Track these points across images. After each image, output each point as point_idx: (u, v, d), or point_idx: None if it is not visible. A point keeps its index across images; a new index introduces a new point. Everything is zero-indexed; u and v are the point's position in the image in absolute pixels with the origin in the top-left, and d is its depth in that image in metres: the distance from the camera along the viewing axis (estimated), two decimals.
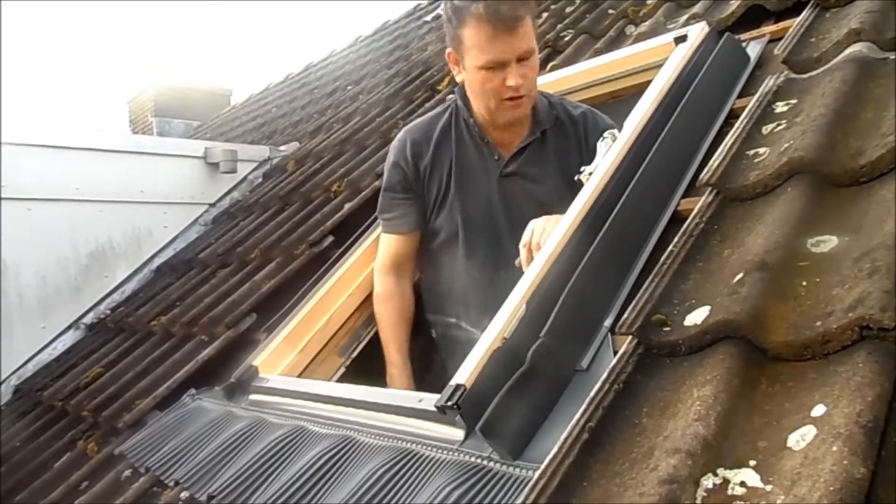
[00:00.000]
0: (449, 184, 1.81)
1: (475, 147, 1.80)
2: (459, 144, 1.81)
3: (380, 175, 2.64)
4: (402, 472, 1.18)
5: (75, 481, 1.97)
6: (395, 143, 1.91)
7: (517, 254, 1.55)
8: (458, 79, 1.77)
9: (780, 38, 1.66)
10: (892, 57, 1.33)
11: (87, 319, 3.37)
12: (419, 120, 1.94)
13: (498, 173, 1.78)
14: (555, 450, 0.92)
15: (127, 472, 1.85)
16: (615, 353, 1.11)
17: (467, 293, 1.80)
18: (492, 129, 1.79)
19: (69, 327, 3.34)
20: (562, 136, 1.81)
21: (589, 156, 1.66)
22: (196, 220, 3.76)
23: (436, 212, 1.85)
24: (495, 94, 1.66)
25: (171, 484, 1.62)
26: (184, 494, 1.55)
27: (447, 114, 1.86)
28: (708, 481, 0.77)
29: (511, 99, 1.65)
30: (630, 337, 1.05)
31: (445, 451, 1.17)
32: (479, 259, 1.78)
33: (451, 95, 1.89)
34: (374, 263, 1.98)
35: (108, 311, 3.37)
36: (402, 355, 1.86)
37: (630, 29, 2.47)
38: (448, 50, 1.74)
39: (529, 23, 1.62)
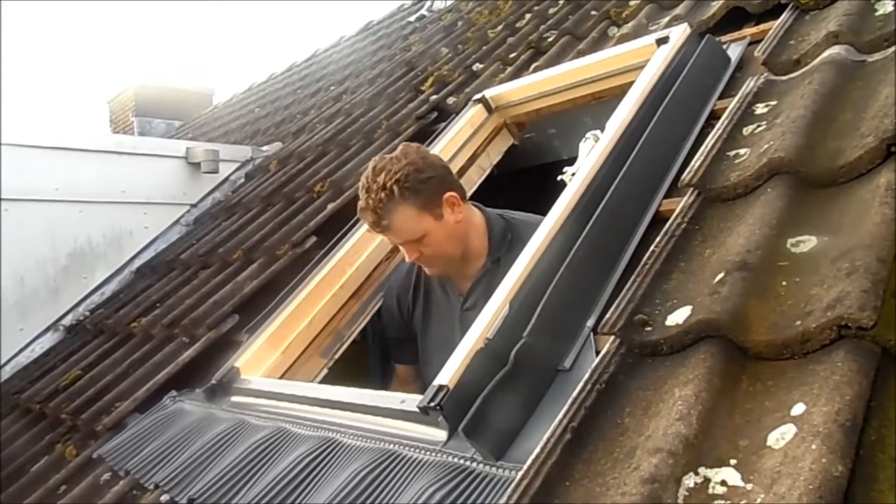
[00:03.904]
0: (424, 323, 1.93)
1: (441, 288, 1.90)
2: (430, 289, 1.92)
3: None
4: (384, 474, 1.17)
5: (53, 485, 1.94)
6: (385, 293, 2.04)
7: None
8: None
9: (760, 40, 1.68)
10: (870, 59, 1.35)
11: (66, 321, 3.33)
12: (395, 271, 2.07)
13: (460, 308, 1.84)
14: (537, 450, 0.92)
15: (106, 476, 1.83)
16: (598, 353, 1.11)
17: None
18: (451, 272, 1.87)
19: (47, 329, 3.30)
20: (516, 256, 1.83)
21: None
22: (177, 220, 3.73)
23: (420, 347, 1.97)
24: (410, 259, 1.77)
25: (151, 487, 1.60)
26: (164, 498, 1.53)
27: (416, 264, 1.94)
28: (689, 480, 0.78)
29: (422, 266, 1.79)
30: (612, 337, 1.06)
31: (428, 452, 1.17)
32: None
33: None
34: None
35: (88, 313, 3.32)
36: None
37: (612, 30, 2.48)
38: None
39: (406, 214, 1.67)
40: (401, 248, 1.75)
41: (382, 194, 1.64)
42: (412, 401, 1.26)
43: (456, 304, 1.85)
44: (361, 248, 2.07)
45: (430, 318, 1.91)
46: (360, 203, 1.70)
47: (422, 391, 1.67)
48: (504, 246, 1.80)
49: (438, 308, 1.90)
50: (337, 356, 2.02)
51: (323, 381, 1.95)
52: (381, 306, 2.06)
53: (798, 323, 0.87)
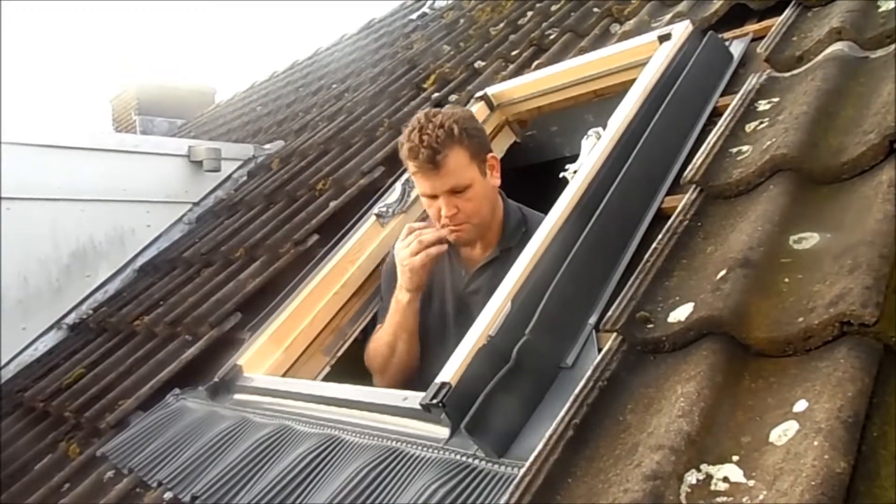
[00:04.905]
0: (427, 296, 1.85)
1: (449, 263, 1.85)
2: (436, 262, 1.82)
3: (365, 173, 2.65)
4: (387, 471, 1.18)
5: (57, 483, 1.95)
6: (389, 257, 1.94)
7: None
8: None
9: (762, 37, 1.67)
10: (872, 56, 1.35)
11: (69, 320, 3.33)
12: None
13: (463, 288, 1.81)
14: (539, 447, 0.92)
15: (109, 474, 1.83)
16: (600, 350, 1.11)
17: None
18: (463, 245, 1.82)
19: (51, 328, 3.30)
20: None
21: None
22: (180, 218, 3.73)
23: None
24: (437, 219, 1.72)
25: (155, 485, 1.61)
26: (167, 495, 1.54)
27: None
28: (692, 477, 0.78)
29: (450, 226, 1.71)
30: (615, 334, 1.06)
31: (430, 450, 1.17)
32: (429, 369, 1.76)
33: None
34: None
35: (91, 311, 3.33)
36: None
37: (615, 27, 2.48)
38: None
39: (459, 158, 1.64)
40: (440, 200, 1.68)
41: (441, 132, 1.62)
42: (414, 398, 1.26)
43: (459, 284, 1.82)
44: (363, 246, 2.07)
45: (431, 290, 1.84)
46: (409, 145, 1.64)
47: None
48: (517, 237, 1.79)
49: (441, 283, 1.86)
50: (339, 354, 2.02)
51: (325, 379, 1.95)
52: (384, 274, 1.96)
53: (800, 320, 0.87)
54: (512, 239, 1.79)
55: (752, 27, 1.83)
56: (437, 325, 1.82)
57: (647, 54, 1.84)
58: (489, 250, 1.80)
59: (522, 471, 0.90)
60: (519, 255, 1.76)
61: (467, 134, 1.66)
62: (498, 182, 1.79)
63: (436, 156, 1.61)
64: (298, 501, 1.24)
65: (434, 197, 1.69)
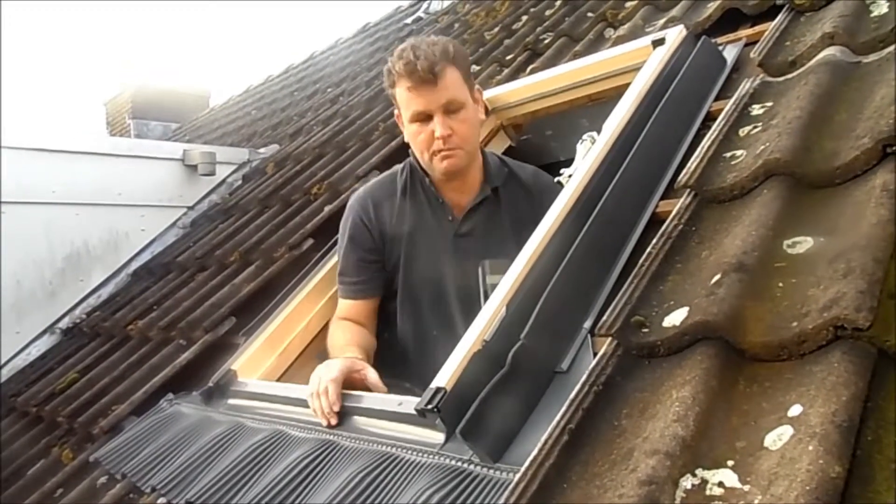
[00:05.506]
0: (408, 244, 1.78)
1: (430, 207, 1.79)
2: (416, 204, 1.80)
3: (360, 177, 2.64)
4: (382, 476, 1.17)
5: (50, 488, 1.94)
6: (355, 204, 1.85)
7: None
8: (405, 138, 1.77)
9: (756, 42, 1.68)
10: (865, 60, 1.35)
11: (63, 324, 3.32)
12: (376, 180, 1.92)
13: (452, 233, 1.77)
14: (535, 452, 0.92)
15: (103, 479, 1.83)
16: (595, 354, 1.11)
17: (417, 355, 1.78)
18: (444, 187, 1.78)
19: (44, 332, 3.29)
20: (514, 192, 1.81)
21: (543, 214, 1.70)
22: (174, 222, 3.73)
23: (392, 272, 1.81)
24: (427, 147, 1.67)
25: (148, 490, 1.60)
26: (161, 501, 1.53)
27: (403, 174, 1.83)
28: (687, 482, 0.77)
29: (442, 151, 1.66)
30: (609, 338, 1.05)
31: (425, 455, 1.17)
32: (428, 321, 1.77)
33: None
34: (332, 318, 1.87)
35: (84, 316, 3.32)
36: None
37: (609, 32, 2.48)
38: (395, 111, 1.75)
39: (454, 76, 1.63)
40: (435, 120, 1.63)
41: (436, 48, 1.61)
42: (409, 403, 1.26)
43: (449, 229, 1.77)
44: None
45: (415, 240, 1.78)
46: (404, 62, 1.60)
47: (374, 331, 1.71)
48: (501, 177, 1.80)
49: (427, 231, 1.78)
50: None
51: None
52: (347, 223, 1.84)
53: (794, 324, 0.87)
54: (497, 178, 1.79)
55: (745, 32, 1.83)
56: (435, 275, 1.76)
57: (641, 59, 1.84)
58: (474, 193, 1.78)
59: (518, 476, 0.90)
60: (508, 195, 1.80)
61: (461, 55, 1.68)
62: (484, 117, 1.77)
63: (434, 67, 1.59)
64: None
65: (427, 119, 1.64)
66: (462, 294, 1.72)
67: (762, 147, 1.23)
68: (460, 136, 1.66)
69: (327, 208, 2.58)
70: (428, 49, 1.61)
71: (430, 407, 1.15)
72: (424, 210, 1.79)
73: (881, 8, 1.47)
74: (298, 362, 1.96)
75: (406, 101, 1.65)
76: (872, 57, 1.34)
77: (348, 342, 1.68)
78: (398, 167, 1.87)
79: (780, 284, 0.96)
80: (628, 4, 2.53)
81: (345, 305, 1.83)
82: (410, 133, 1.70)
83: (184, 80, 8.82)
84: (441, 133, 1.63)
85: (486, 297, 1.51)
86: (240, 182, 3.90)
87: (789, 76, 1.45)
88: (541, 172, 1.90)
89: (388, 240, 1.79)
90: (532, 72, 2.46)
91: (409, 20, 5.10)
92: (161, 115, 8.09)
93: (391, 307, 1.83)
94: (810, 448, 0.71)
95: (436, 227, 1.78)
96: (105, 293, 3.45)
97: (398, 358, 1.80)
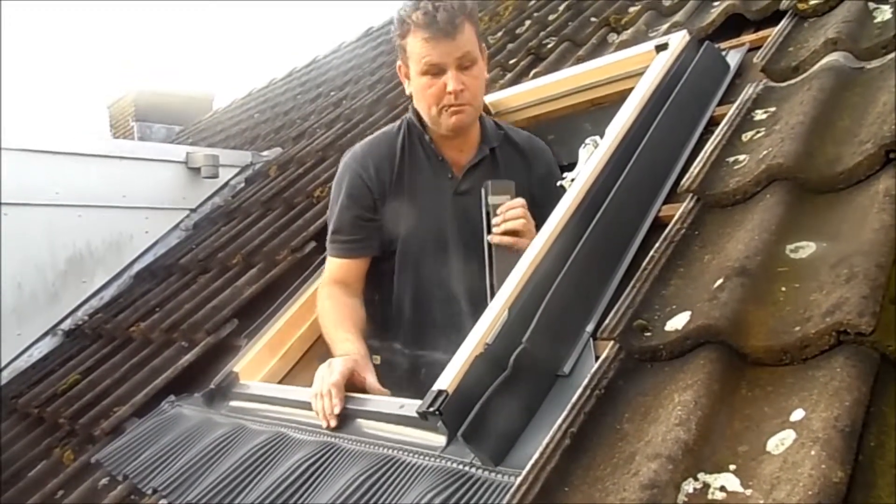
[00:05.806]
0: (408, 202, 1.74)
1: (429, 164, 1.76)
2: (415, 161, 1.77)
3: None
4: (383, 479, 1.17)
5: (51, 490, 1.94)
6: (351, 161, 1.79)
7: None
8: (407, 91, 1.75)
9: (759, 47, 1.68)
10: (868, 66, 1.35)
11: (65, 326, 3.33)
12: (372, 138, 1.87)
13: (452, 191, 1.75)
14: (536, 455, 0.92)
15: (104, 480, 1.83)
16: (597, 358, 1.11)
17: (415, 314, 1.75)
18: (444, 145, 1.77)
19: (46, 333, 3.30)
20: (509, 154, 1.82)
21: (536, 179, 1.77)
22: (177, 225, 3.73)
23: (391, 231, 1.76)
24: (437, 101, 1.64)
25: (149, 492, 1.60)
26: (162, 502, 1.53)
27: (401, 132, 1.81)
28: (689, 486, 0.77)
29: (453, 106, 1.64)
30: (612, 342, 1.06)
31: (427, 458, 1.17)
32: (429, 279, 1.74)
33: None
34: (319, 283, 1.84)
35: (86, 318, 3.32)
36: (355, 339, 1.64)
37: (612, 37, 2.49)
38: (398, 63, 1.73)
39: (470, 31, 1.63)
40: (449, 74, 1.61)
41: (455, 2, 1.60)
42: (411, 406, 1.26)
43: (449, 187, 1.76)
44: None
45: (416, 198, 1.74)
46: (422, 13, 1.58)
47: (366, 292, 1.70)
48: (498, 138, 1.81)
49: (427, 189, 1.75)
50: None
51: None
52: (344, 180, 1.78)
53: (797, 329, 0.87)
54: (494, 138, 1.80)
55: (748, 37, 1.84)
56: (436, 233, 1.74)
57: (644, 64, 1.84)
58: (473, 152, 1.78)
59: (519, 479, 0.90)
60: (504, 156, 1.82)
61: (475, 11, 1.68)
62: (487, 77, 1.79)
63: (454, 19, 1.58)
64: None
65: (440, 73, 1.62)
66: (462, 252, 1.71)
67: (765, 152, 1.23)
68: (471, 91, 1.65)
69: None
70: (447, 3, 1.60)
71: (431, 410, 1.15)
72: (424, 168, 1.77)
73: (884, 14, 1.48)
74: (300, 365, 1.96)
75: (419, 51, 1.62)
76: (875, 63, 1.35)
77: (345, 327, 1.64)
78: (394, 125, 1.85)
79: (783, 289, 0.96)
80: (632, 9, 2.54)
81: (335, 265, 1.78)
82: (419, 86, 1.66)
83: (187, 82, 8.86)
84: (454, 87, 1.61)
85: (489, 218, 1.58)
86: (242, 185, 3.91)
87: (792, 81, 1.45)
88: (534, 137, 1.92)
89: (387, 198, 1.75)
90: (535, 76, 2.46)
91: None
92: (164, 118, 8.10)
93: (386, 267, 1.77)
94: (812, 453, 0.71)
95: (436, 185, 1.76)
96: (107, 295, 3.45)
97: (393, 319, 1.77)
